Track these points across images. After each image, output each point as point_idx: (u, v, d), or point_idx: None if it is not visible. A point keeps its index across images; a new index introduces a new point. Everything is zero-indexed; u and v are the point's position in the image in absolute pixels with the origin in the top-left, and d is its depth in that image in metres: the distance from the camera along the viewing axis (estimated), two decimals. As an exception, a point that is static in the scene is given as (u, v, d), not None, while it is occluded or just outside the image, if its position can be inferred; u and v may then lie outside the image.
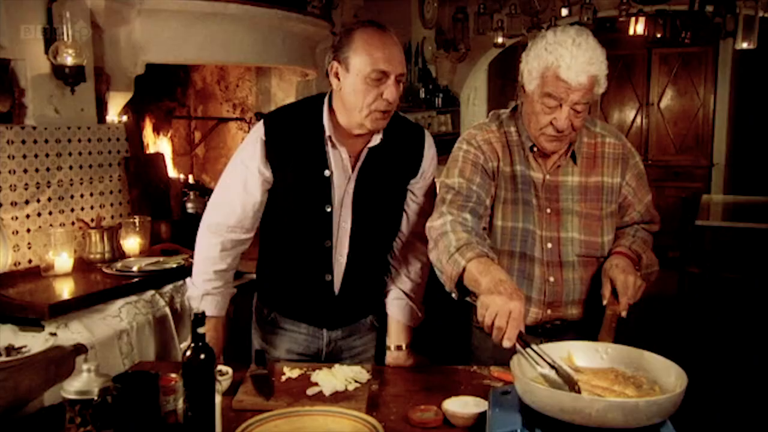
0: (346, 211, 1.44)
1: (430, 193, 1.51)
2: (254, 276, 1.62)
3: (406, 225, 1.53)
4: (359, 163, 1.43)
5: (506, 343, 1.10)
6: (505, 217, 1.45)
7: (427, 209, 1.46)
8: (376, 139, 1.41)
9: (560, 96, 1.32)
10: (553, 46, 1.31)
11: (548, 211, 1.44)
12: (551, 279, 1.44)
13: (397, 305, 1.54)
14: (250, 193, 1.44)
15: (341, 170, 1.43)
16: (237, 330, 1.66)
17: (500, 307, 1.11)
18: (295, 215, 1.45)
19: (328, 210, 1.44)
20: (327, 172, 1.42)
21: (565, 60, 1.29)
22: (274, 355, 1.53)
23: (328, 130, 1.40)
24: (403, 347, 1.52)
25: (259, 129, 1.44)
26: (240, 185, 1.43)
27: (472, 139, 1.45)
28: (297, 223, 1.43)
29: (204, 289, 1.47)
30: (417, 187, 1.50)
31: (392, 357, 1.53)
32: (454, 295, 1.28)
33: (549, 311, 1.46)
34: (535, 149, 1.42)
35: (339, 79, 1.37)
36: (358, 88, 1.34)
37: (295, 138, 1.41)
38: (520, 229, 1.45)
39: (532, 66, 1.34)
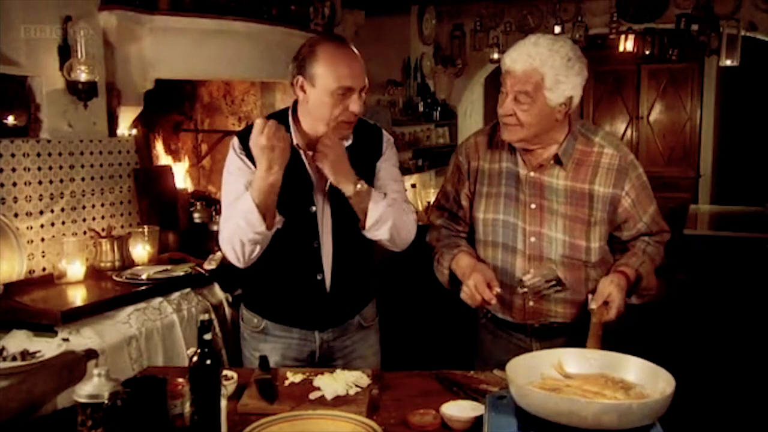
0: (327, 211, 1.51)
1: (398, 178, 1.56)
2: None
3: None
4: None
5: (493, 301, 1.41)
6: (486, 209, 1.53)
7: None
8: (347, 142, 1.47)
9: (505, 83, 1.41)
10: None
11: (533, 206, 1.48)
12: (532, 271, 1.47)
13: None
14: None
15: (316, 173, 1.49)
16: (240, 336, 1.69)
17: (470, 287, 1.42)
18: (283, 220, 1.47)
19: (313, 210, 1.50)
20: (307, 176, 1.48)
21: (511, 49, 1.40)
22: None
23: (295, 139, 1.46)
24: None
25: (234, 142, 1.50)
26: (242, 188, 1.44)
27: (462, 146, 1.62)
28: (286, 228, 1.46)
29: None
30: (381, 168, 1.53)
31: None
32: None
33: (531, 303, 1.50)
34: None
35: (305, 92, 1.42)
36: (325, 102, 1.39)
37: None
38: (501, 221, 1.50)
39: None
